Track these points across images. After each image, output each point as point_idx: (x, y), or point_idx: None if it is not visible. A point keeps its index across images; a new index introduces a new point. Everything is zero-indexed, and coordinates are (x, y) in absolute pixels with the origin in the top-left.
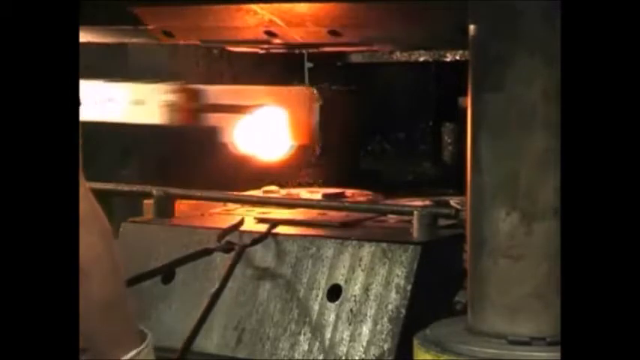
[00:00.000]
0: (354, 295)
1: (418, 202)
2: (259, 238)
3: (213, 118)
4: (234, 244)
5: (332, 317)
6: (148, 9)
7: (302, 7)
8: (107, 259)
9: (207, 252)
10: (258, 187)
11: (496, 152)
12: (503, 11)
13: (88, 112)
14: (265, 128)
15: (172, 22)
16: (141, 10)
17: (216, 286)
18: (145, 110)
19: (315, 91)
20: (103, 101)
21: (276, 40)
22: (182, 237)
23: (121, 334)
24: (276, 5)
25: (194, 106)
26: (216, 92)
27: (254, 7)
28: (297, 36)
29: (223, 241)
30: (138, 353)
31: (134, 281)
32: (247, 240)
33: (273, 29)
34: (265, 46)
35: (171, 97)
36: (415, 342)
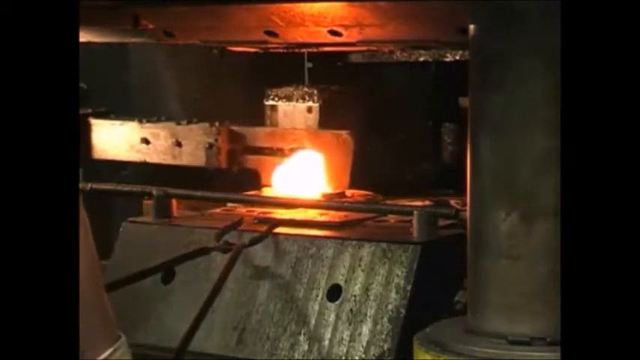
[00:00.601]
0: (354, 295)
1: (418, 202)
2: (258, 238)
3: (253, 161)
4: (232, 244)
5: (332, 317)
6: (148, 9)
7: (302, 7)
8: (84, 255)
9: (205, 251)
10: (258, 188)
11: (496, 152)
12: (503, 11)
13: (122, 153)
14: (302, 172)
15: (172, 22)
16: (141, 10)
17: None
18: (183, 152)
19: (349, 137)
20: (139, 142)
21: (276, 40)
22: (182, 237)
23: (95, 334)
24: (276, 5)
25: (233, 148)
26: (255, 134)
27: (254, 7)
28: (297, 36)
29: (221, 241)
30: (112, 353)
31: (129, 281)
32: (246, 240)
33: (273, 29)
34: (265, 46)
35: (210, 139)
36: (415, 342)
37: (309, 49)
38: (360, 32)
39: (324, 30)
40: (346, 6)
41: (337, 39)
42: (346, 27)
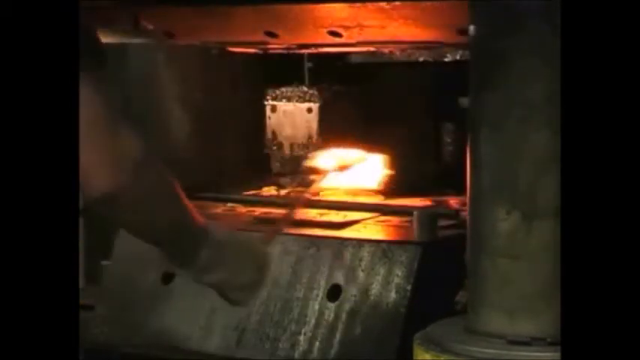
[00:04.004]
0: (354, 295)
1: (418, 202)
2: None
3: None
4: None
5: (332, 317)
6: (148, 9)
7: (302, 8)
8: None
9: None
10: (258, 188)
11: (496, 152)
12: (503, 11)
13: None
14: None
15: (172, 22)
16: (141, 10)
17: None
18: None
19: None
20: None
21: (276, 41)
22: None
23: (101, 163)
24: (276, 6)
25: None
26: None
27: (254, 7)
28: (297, 37)
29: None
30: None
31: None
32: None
33: (273, 29)
34: (265, 46)
35: None
36: (415, 342)
37: (309, 50)
38: (360, 32)
39: (324, 31)
40: (346, 7)
41: (337, 39)
42: (346, 27)
